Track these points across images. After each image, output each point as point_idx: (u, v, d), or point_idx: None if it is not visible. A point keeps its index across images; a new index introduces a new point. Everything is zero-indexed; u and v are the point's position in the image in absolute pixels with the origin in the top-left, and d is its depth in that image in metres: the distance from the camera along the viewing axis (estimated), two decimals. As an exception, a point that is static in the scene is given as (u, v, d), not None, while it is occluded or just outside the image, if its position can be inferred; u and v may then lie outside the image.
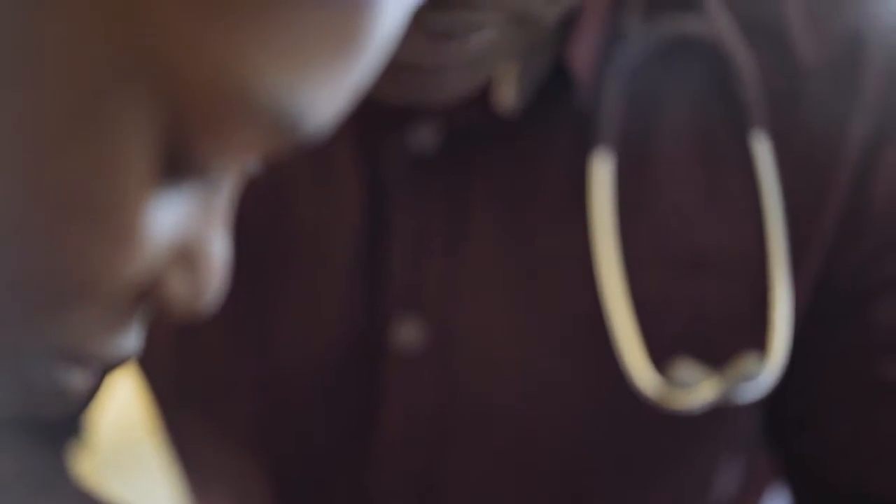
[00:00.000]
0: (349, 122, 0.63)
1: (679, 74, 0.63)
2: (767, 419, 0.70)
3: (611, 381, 0.64)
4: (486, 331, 0.64)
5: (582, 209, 0.63)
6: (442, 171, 0.63)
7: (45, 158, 0.31)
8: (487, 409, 0.65)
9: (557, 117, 0.63)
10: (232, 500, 0.73)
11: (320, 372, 0.66)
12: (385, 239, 0.64)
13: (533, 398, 0.65)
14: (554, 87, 0.63)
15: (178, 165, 0.33)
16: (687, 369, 0.63)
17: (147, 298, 0.35)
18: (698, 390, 0.62)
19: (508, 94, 0.62)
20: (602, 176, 0.62)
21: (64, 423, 0.68)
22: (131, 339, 0.36)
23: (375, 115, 0.63)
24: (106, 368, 0.55)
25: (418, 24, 0.51)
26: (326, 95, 0.33)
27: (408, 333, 0.64)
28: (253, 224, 0.64)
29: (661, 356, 0.63)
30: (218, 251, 0.36)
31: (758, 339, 0.64)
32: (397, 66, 0.52)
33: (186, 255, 0.35)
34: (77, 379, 0.36)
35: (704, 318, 0.64)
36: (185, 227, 0.35)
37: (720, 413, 0.66)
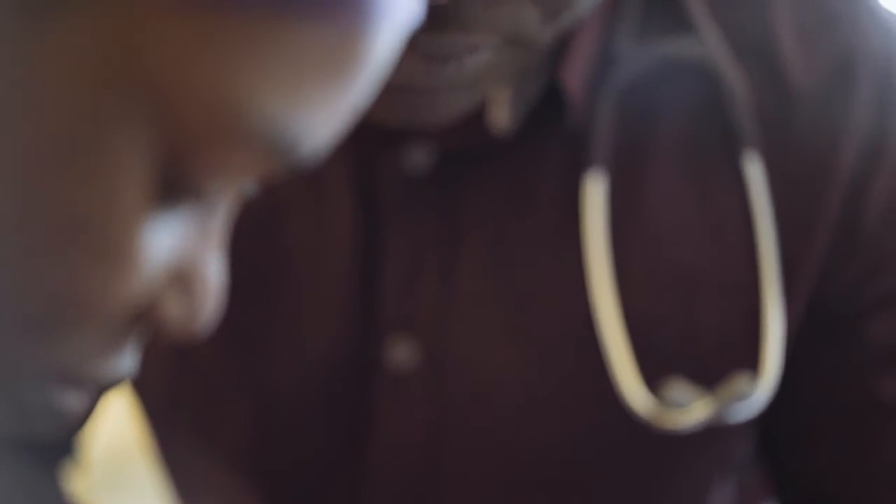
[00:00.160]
0: (343, 143, 0.63)
1: (671, 96, 0.64)
2: (760, 438, 0.70)
3: (603, 401, 0.64)
4: (478, 350, 0.65)
5: (575, 229, 0.63)
6: (435, 191, 0.64)
7: (42, 182, 0.32)
8: (480, 428, 0.66)
9: (550, 138, 0.63)
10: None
11: (313, 391, 0.66)
12: (378, 259, 0.64)
13: (525, 417, 0.65)
14: (547, 109, 0.63)
15: (174, 188, 0.33)
16: (679, 389, 0.63)
17: (143, 320, 0.35)
18: (691, 410, 0.62)
19: (502, 115, 0.62)
20: (595, 196, 0.62)
21: (58, 443, 0.68)
22: (127, 360, 0.36)
23: (370, 136, 0.63)
24: (101, 389, 0.56)
25: (413, 46, 0.51)
26: (321, 119, 0.33)
27: (400, 353, 0.65)
28: (247, 244, 0.65)
29: (653, 376, 0.63)
30: (213, 273, 0.36)
31: (750, 359, 0.64)
32: (392, 88, 0.53)
33: (182, 278, 0.35)
34: (72, 400, 0.37)
35: (697, 338, 0.64)
36: (181, 250, 0.35)
37: (713, 432, 0.66)
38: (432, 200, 0.64)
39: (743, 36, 0.64)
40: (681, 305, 0.64)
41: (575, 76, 0.62)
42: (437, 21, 0.51)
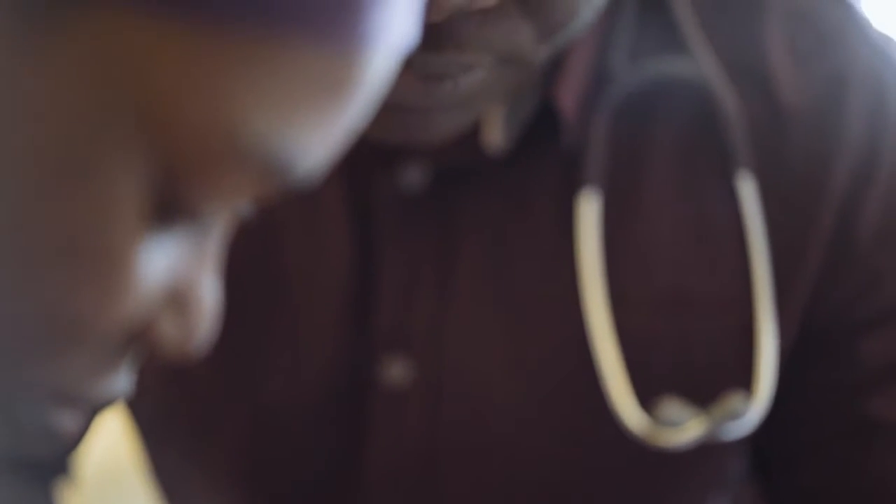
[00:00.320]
0: (339, 162, 0.63)
1: (665, 115, 0.64)
2: (755, 455, 0.70)
3: (598, 418, 0.64)
4: (473, 369, 0.65)
5: (569, 248, 0.63)
6: (430, 210, 0.64)
7: (37, 202, 0.32)
8: (474, 445, 0.66)
9: (544, 157, 0.64)
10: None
11: (308, 409, 0.66)
12: (374, 278, 0.64)
13: (519, 436, 0.65)
14: (541, 127, 0.63)
15: (169, 209, 0.33)
16: (673, 408, 0.63)
17: (138, 341, 0.35)
18: (685, 429, 0.62)
19: (496, 134, 0.62)
20: (589, 215, 0.62)
21: (52, 462, 0.68)
22: (122, 380, 0.36)
23: (365, 154, 0.63)
24: (96, 409, 0.56)
25: (408, 65, 0.52)
26: (317, 140, 0.33)
27: (396, 372, 0.65)
28: (242, 262, 0.65)
29: (647, 394, 0.63)
30: (208, 294, 0.36)
31: (744, 378, 0.64)
32: (387, 107, 0.53)
33: (177, 298, 0.35)
34: (67, 420, 0.37)
35: (691, 356, 0.64)
36: (177, 271, 0.35)
37: (707, 450, 0.66)
38: (427, 219, 0.64)
39: (735, 55, 0.64)
40: (674, 323, 0.64)
41: (569, 95, 0.62)
42: (432, 40, 0.51)
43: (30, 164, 0.31)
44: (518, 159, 0.63)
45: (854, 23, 0.66)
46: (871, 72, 0.65)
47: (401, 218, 0.64)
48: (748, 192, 0.63)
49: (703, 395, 0.64)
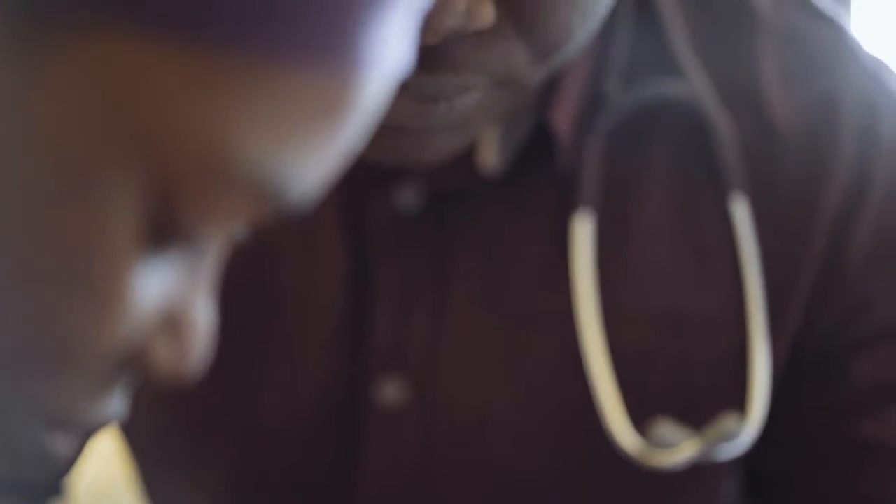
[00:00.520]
0: (334, 183, 0.64)
1: (659, 137, 0.64)
2: (747, 476, 0.70)
3: (593, 438, 0.64)
4: (468, 389, 0.65)
5: (563, 268, 0.63)
6: (425, 230, 0.64)
7: (31, 225, 0.32)
8: (469, 464, 0.66)
9: (539, 178, 0.64)
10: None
11: (303, 428, 0.66)
12: (369, 299, 0.64)
13: (514, 456, 0.65)
14: (536, 149, 0.63)
15: (164, 232, 0.33)
16: (667, 429, 0.63)
17: (132, 364, 0.35)
18: (678, 451, 0.63)
19: (491, 155, 0.62)
20: (583, 236, 0.62)
21: (45, 483, 0.67)
22: (116, 403, 0.36)
23: (360, 175, 0.63)
24: (89, 432, 0.55)
25: (404, 87, 0.52)
26: (312, 164, 0.34)
27: (391, 391, 0.65)
28: (237, 282, 0.65)
29: (641, 414, 0.64)
30: (203, 318, 0.36)
31: (737, 399, 0.64)
32: (383, 129, 0.53)
33: (171, 322, 0.35)
34: (61, 443, 0.36)
35: (684, 377, 0.64)
36: (171, 294, 0.35)
37: (700, 470, 0.66)
38: (422, 240, 0.64)
39: (729, 79, 0.64)
40: (668, 345, 0.64)
41: (564, 117, 0.62)
42: (427, 62, 0.51)
43: (25, 186, 0.31)
44: (513, 180, 0.63)
45: (845, 46, 0.66)
46: (862, 95, 0.65)
47: (396, 238, 0.64)
48: (741, 214, 0.63)
49: (696, 416, 0.64)
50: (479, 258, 0.64)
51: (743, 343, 0.64)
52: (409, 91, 0.52)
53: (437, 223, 0.64)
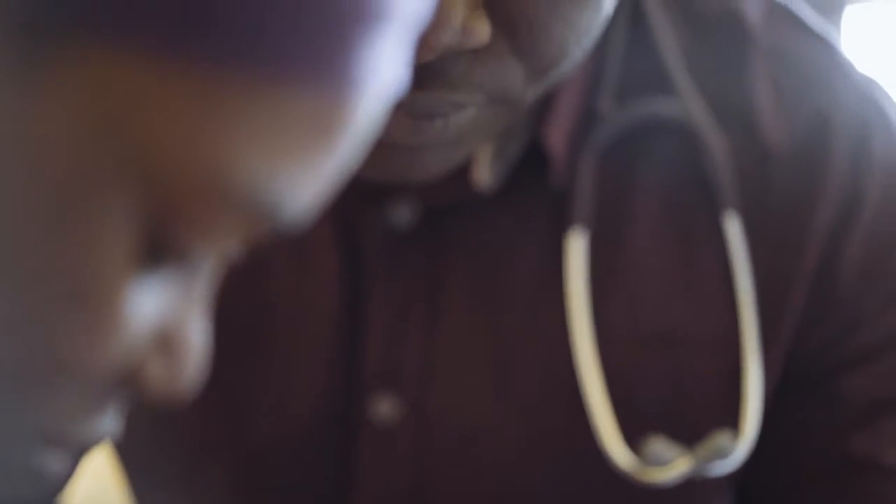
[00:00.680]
0: (328, 200, 0.64)
1: (652, 155, 0.64)
2: (739, 493, 0.70)
3: (586, 454, 0.64)
4: (461, 406, 0.65)
5: (556, 285, 0.63)
6: (419, 247, 0.64)
7: (27, 244, 0.32)
8: (463, 482, 0.66)
9: (533, 195, 0.64)
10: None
11: (297, 446, 0.66)
12: (362, 316, 0.64)
13: (509, 471, 0.65)
14: (530, 166, 0.63)
15: (158, 251, 0.33)
16: (660, 446, 0.63)
17: (126, 382, 0.35)
18: (671, 468, 0.63)
19: (485, 172, 0.63)
20: (576, 253, 0.62)
21: (38, 502, 0.67)
22: (109, 421, 0.36)
23: (354, 191, 0.63)
24: (83, 450, 0.55)
25: (399, 103, 0.52)
26: (306, 183, 0.34)
27: (384, 408, 0.65)
28: (231, 299, 0.65)
29: (634, 431, 0.64)
30: (197, 336, 0.36)
31: (730, 416, 0.64)
32: (378, 145, 0.53)
33: (165, 340, 0.35)
34: (54, 461, 0.36)
35: (677, 395, 0.65)
36: (165, 312, 0.35)
37: (693, 486, 0.66)
38: (416, 256, 0.64)
39: (721, 96, 0.65)
40: (661, 362, 0.64)
41: (557, 134, 0.63)
42: (423, 80, 0.51)
43: (20, 202, 0.31)
44: (506, 197, 0.64)
45: (837, 64, 0.67)
46: (854, 113, 0.65)
47: (389, 255, 0.64)
48: (734, 233, 0.63)
49: (689, 432, 0.64)
50: (472, 275, 0.64)
51: (736, 360, 0.64)
52: (404, 108, 0.52)
53: (430, 239, 0.64)
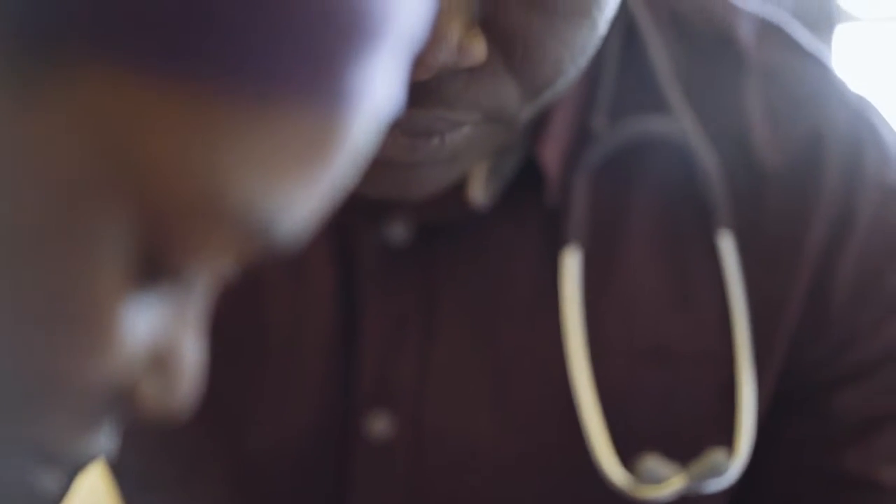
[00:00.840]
0: (324, 219, 0.64)
1: (646, 172, 0.65)
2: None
3: (580, 471, 0.64)
4: (456, 422, 0.65)
5: (550, 303, 0.64)
6: (414, 264, 0.64)
7: (21, 262, 0.32)
8: (458, 499, 0.66)
9: (527, 212, 0.64)
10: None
11: (292, 462, 0.66)
12: (357, 332, 0.64)
13: (503, 488, 0.65)
14: (524, 183, 0.64)
15: (153, 269, 0.33)
16: (654, 463, 0.63)
17: (121, 401, 0.35)
18: (666, 485, 0.63)
19: (480, 189, 0.63)
20: (570, 271, 0.63)
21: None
22: (103, 440, 0.36)
23: (349, 208, 0.64)
24: (77, 468, 0.55)
25: (395, 121, 0.52)
26: (301, 202, 0.34)
27: (379, 426, 0.65)
28: (226, 316, 0.65)
29: (629, 448, 0.64)
30: (192, 355, 0.36)
31: (724, 433, 0.64)
32: (374, 163, 0.53)
33: (160, 359, 0.35)
34: (48, 479, 0.36)
35: (671, 411, 0.65)
36: (160, 331, 0.35)
37: (687, 503, 0.66)
38: (411, 273, 0.64)
39: (715, 115, 0.65)
40: (655, 379, 0.64)
41: (552, 152, 0.63)
42: (419, 98, 0.51)
43: (14, 221, 0.31)
44: (501, 215, 0.64)
45: (829, 83, 0.67)
46: (847, 131, 0.66)
47: (384, 272, 0.64)
48: (728, 250, 0.64)
49: (683, 450, 0.64)
50: (466, 292, 0.64)
51: (730, 378, 0.64)
52: (400, 126, 0.52)
53: (425, 257, 0.64)
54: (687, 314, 0.64)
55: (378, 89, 0.34)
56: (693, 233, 0.64)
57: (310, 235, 0.64)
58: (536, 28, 0.52)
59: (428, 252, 0.64)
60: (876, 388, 0.66)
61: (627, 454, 0.63)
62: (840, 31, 2.28)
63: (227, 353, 0.65)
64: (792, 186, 0.65)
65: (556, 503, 0.65)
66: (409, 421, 0.64)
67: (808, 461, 0.66)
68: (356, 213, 0.64)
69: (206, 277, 0.35)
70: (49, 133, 0.31)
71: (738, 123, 0.65)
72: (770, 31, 0.67)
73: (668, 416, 0.65)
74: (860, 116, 0.67)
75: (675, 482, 0.63)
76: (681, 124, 0.64)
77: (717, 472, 0.62)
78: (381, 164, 0.53)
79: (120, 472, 0.71)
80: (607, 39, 0.64)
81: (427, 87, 0.51)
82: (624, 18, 0.65)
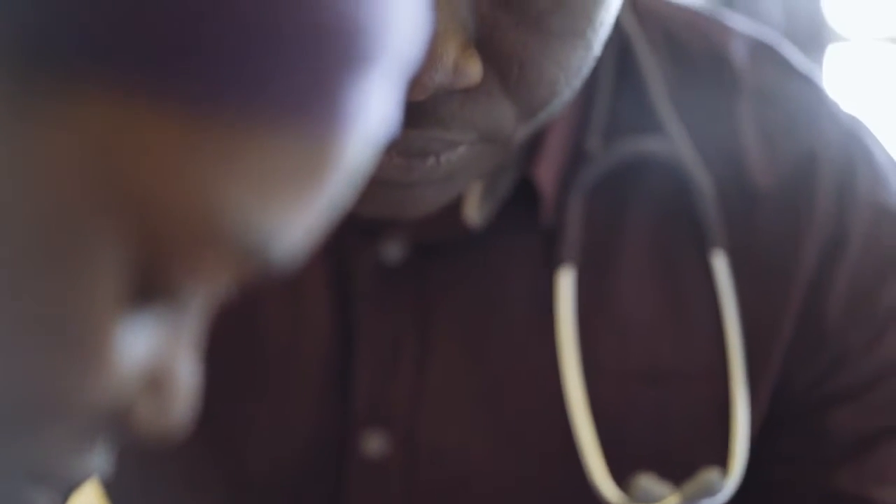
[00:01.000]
0: (320, 240, 0.64)
1: (639, 193, 0.65)
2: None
3: (574, 491, 0.64)
4: (451, 441, 0.65)
5: (545, 323, 0.64)
6: (409, 283, 0.64)
7: (16, 282, 0.32)
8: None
9: (522, 232, 0.64)
10: None
11: (287, 481, 0.66)
12: (352, 351, 0.64)
13: (497, 507, 0.65)
14: (519, 203, 0.64)
15: (148, 290, 0.33)
16: (648, 482, 0.63)
17: (116, 421, 0.35)
18: (660, 504, 0.63)
19: (475, 209, 0.63)
20: (565, 290, 0.63)
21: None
22: (98, 459, 0.36)
23: (344, 227, 0.64)
24: (71, 487, 0.55)
25: (392, 142, 0.52)
26: (296, 223, 0.34)
27: (374, 444, 0.65)
28: (222, 335, 0.65)
29: (623, 467, 0.64)
30: (187, 375, 0.36)
31: (718, 452, 0.64)
32: (371, 182, 0.53)
33: (155, 379, 0.35)
34: (42, 497, 0.36)
35: (665, 431, 0.65)
36: (155, 351, 0.35)
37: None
38: (406, 292, 0.64)
39: (708, 136, 0.65)
40: (649, 398, 0.64)
41: (547, 172, 0.63)
42: (415, 118, 0.52)
43: (11, 243, 0.31)
44: (496, 234, 0.64)
45: (822, 103, 0.67)
46: (839, 152, 0.66)
47: (380, 291, 0.64)
48: (721, 270, 0.64)
49: (677, 469, 0.64)
50: (461, 311, 0.64)
51: (723, 397, 0.64)
52: (396, 146, 0.53)
53: (420, 276, 0.64)
54: (681, 334, 0.64)
55: (374, 110, 0.34)
56: (687, 253, 0.65)
57: (306, 256, 0.64)
58: (532, 49, 0.52)
59: (423, 271, 0.64)
60: (869, 407, 0.66)
61: (621, 473, 0.63)
62: (831, 51, 2.29)
63: (223, 373, 0.65)
64: (785, 206, 0.65)
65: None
66: (404, 440, 0.64)
67: (801, 480, 0.66)
68: (352, 232, 0.64)
69: (202, 298, 0.35)
70: (46, 157, 0.31)
71: (732, 144, 0.65)
72: (763, 52, 0.68)
73: (662, 435, 0.65)
74: (852, 136, 0.67)
75: (669, 501, 0.63)
76: (674, 145, 0.64)
77: (710, 491, 0.62)
78: (377, 184, 0.53)
79: (115, 490, 0.70)
80: (602, 60, 0.64)
81: (423, 108, 0.52)
82: (618, 39, 0.65)
